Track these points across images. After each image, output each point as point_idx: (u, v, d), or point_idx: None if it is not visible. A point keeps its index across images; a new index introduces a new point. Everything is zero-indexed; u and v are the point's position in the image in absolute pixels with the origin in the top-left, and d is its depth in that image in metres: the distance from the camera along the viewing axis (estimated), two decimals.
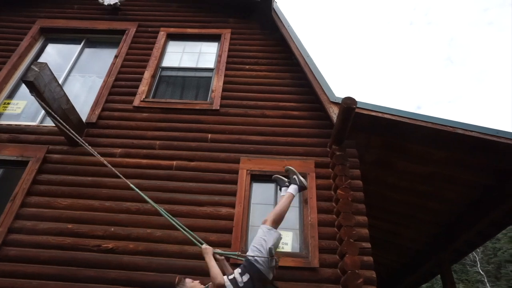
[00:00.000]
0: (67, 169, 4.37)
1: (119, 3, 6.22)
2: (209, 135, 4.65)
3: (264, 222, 2.88)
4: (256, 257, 2.63)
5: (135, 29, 5.98)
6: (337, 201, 3.89)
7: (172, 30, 6.00)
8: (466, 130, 3.98)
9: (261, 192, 4.22)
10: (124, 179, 3.35)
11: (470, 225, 5.48)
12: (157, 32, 5.93)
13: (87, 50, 6.05)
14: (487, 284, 21.69)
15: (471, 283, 22.33)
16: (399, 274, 8.38)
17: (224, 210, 4.00)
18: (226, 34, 5.85)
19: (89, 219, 3.96)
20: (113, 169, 3.39)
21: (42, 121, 5.01)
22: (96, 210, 4.04)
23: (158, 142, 4.59)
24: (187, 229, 3.16)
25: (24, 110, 5.17)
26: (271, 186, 4.23)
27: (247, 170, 4.29)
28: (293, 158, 4.40)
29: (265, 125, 4.74)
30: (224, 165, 4.36)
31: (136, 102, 5.00)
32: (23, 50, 5.72)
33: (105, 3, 6.19)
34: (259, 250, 2.67)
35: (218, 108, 4.90)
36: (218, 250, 2.98)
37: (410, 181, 5.19)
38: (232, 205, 4.02)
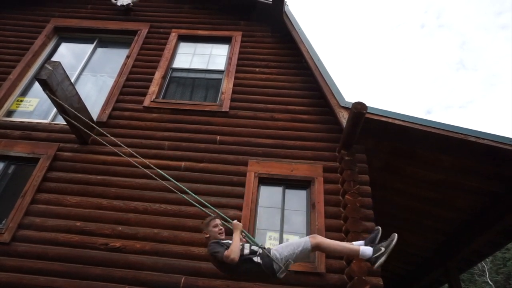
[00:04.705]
0: (76, 167, 4.41)
1: (131, 4, 6.29)
2: (218, 137, 4.66)
3: (311, 237, 2.66)
4: (275, 259, 2.57)
5: (147, 30, 6.03)
6: (345, 206, 3.87)
7: (183, 31, 6.03)
8: (478, 137, 3.94)
9: (269, 195, 4.21)
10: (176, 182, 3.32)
11: (479, 234, 5.40)
12: (169, 33, 5.97)
13: (99, 50, 6.12)
14: None
15: None
16: (404, 281, 8.28)
17: (231, 213, 3.98)
18: (237, 36, 5.87)
19: (97, 218, 3.99)
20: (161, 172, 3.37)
21: (53, 119, 5.07)
22: (104, 208, 4.07)
23: (167, 142, 4.62)
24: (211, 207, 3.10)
25: (36, 107, 5.25)
26: (278, 190, 4.22)
27: (255, 172, 4.28)
28: (302, 162, 4.39)
29: (274, 128, 4.74)
30: (232, 167, 4.36)
31: (146, 103, 5.03)
32: (37, 49, 5.80)
33: (118, 4, 6.26)
34: (282, 254, 2.60)
35: (228, 110, 4.91)
36: (246, 232, 2.92)
37: (418, 187, 5.14)
38: (240, 208, 4.02)
